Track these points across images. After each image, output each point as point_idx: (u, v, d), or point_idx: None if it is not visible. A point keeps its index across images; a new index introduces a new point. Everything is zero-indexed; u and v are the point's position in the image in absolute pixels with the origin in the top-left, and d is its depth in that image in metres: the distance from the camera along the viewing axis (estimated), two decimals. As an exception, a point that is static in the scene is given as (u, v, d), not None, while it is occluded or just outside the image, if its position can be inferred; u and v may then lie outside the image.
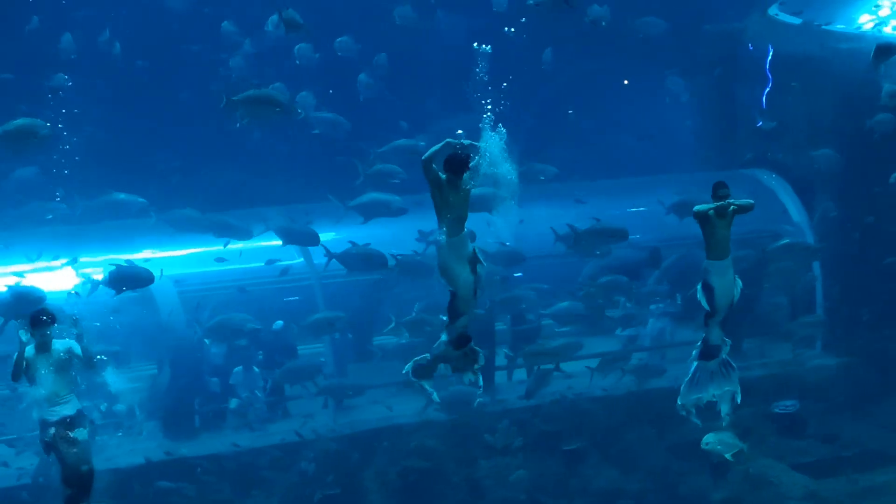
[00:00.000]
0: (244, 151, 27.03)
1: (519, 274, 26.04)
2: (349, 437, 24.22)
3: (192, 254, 24.74)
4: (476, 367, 13.30)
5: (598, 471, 24.42)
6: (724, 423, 16.49)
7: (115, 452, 22.08)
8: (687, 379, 16.06)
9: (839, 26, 27.63)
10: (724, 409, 16.06)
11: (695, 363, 16.06)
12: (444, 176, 12.41)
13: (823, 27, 27.44)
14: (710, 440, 21.32)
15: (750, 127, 28.93)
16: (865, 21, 27.63)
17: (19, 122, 20.70)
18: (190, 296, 24.25)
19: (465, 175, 12.46)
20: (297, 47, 26.61)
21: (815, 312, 27.35)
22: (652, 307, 27.05)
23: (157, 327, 23.73)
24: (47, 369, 13.37)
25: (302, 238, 24.30)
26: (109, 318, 21.72)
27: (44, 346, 13.38)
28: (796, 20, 27.85)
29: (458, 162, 12.37)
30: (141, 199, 23.56)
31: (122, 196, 23.59)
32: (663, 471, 24.57)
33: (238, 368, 24.66)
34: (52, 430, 13.46)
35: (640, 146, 28.51)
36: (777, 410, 25.50)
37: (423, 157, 12.41)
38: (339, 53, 27.35)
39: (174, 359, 24.11)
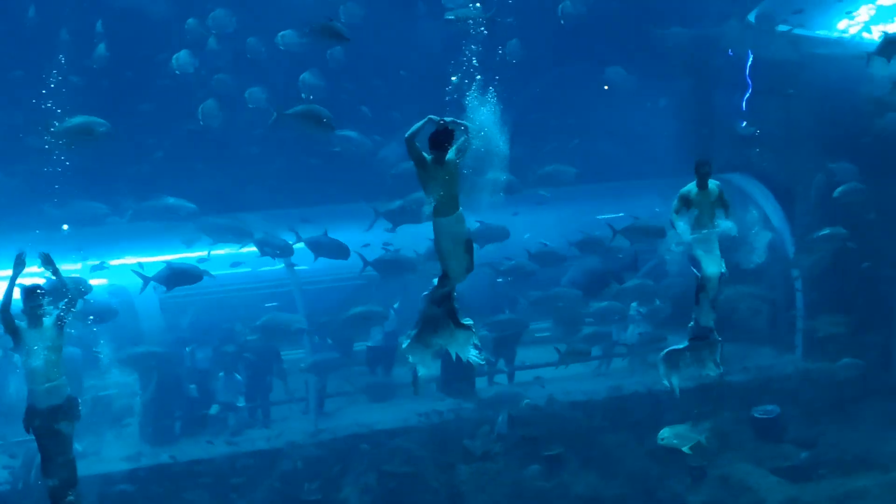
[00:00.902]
0: (224, 157, 27.02)
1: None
2: (329, 443, 24.20)
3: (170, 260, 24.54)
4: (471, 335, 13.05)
5: (578, 476, 24.38)
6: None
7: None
8: (670, 353, 16.64)
9: (819, 32, 27.75)
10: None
11: (685, 342, 16.47)
12: (428, 156, 12.33)
13: (794, 31, 27.61)
14: (665, 434, 22.04)
15: (729, 132, 29.00)
16: (845, 27, 27.72)
17: (78, 119, 21.13)
18: (170, 302, 24.18)
19: (450, 151, 12.34)
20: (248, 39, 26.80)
21: (795, 317, 27.45)
22: (631, 312, 27.00)
23: (137, 333, 23.67)
24: (38, 345, 13.16)
25: (333, 251, 24.59)
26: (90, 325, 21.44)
27: (36, 321, 13.18)
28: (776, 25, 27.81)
29: (439, 137, 12.26)
30: (190, 205, 24.15)
31: (171, 200, 24.25)
32: (642, 476, 24.60)
33: (220, 374, 24.63)
34: (38, 422, 13.33)
35: (618, 152, 28.57)
36: (757, 415, 25.56)
37: (406, 136, 12.27)
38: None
39: (156, 365, 23.85)
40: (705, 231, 15.81)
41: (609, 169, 27.88)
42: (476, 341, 13.07)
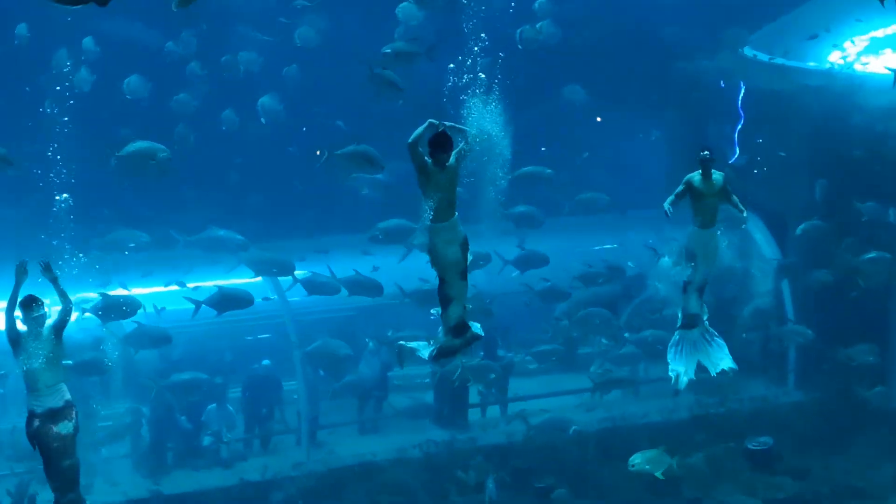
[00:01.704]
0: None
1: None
2: (322, 474, 24.32)
3: (163, 292, 24.81)
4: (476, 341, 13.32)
5: (572, 508, 24.56)
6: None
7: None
8: (671, 349, 16.43)
9: (810, 63, 28.01)
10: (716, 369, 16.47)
11: (677, 333, 16.39)
12: (429, 160, 12.35)
13: (775, 61, 28.05)
14: (636, 461, 21.91)
15: (721, 162, 29.05)
16: (836, 59, 28.01)
17: (139, 144, 22.02)
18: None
19: (449, 156, 12.37)
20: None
21: (787, 348, 27.52)
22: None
23: (131, 365, 23.76)
24: (37, 352, 13.32)
25: (368, 289, 24.76)
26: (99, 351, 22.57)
27: (35, 329, 13.37)
28: (764, 56, 28.28)
29: (439, 139, 12.29)
30: (239, 237, 24.38)
31: (221, 233, 24.46)
32: (637, 507, 24.87)
33: (212, 406, 24.67)
34: (37, 423, 13.41)
35: (611, 182, 28.51)
36: (751, 447, 25.52)
37: (408, 142, 12.28)
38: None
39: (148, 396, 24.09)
40: (709, 231, 15.98)
41: (601, 200, 27.62)
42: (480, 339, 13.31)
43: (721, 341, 16.47)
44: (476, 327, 13.15)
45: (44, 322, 13.38)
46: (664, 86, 30.12)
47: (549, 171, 25.61)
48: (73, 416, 13.50)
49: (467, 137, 12.44)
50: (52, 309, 13.74)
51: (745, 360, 25.48)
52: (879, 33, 28.03)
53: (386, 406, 26.21)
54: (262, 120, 26.31)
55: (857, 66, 27.78)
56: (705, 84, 28.75)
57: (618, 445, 24.99)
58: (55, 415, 13.38)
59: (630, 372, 27.08)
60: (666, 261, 16.67)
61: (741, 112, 28.17)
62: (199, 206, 26.75)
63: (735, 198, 16.10)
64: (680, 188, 15.98)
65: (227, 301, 23.61)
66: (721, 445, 25.86)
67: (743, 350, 25.80)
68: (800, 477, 25.45)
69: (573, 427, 24.91)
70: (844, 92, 27.13)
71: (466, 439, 25.41)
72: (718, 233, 16.12)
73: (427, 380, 26.26)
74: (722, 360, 16.48)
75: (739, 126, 28.13)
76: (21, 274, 13.31)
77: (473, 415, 26.48)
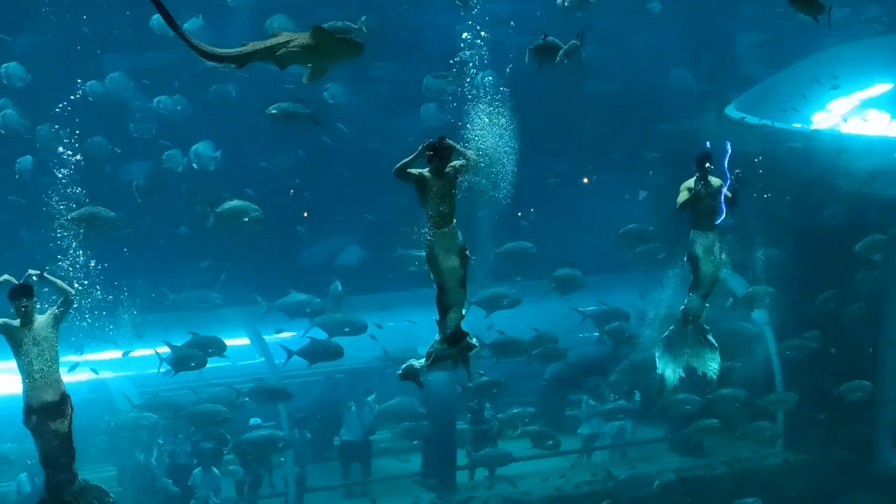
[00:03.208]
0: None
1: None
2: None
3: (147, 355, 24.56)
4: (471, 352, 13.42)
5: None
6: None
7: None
8: (661, 342, 16.69)
9: (795, 125, 28.21)
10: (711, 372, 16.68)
11: (672, 326, 16.63)
12: (427, 173, 12.60)
13: (774, 124, 28.18)
14: None
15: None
16: (820, 119, 28.28)
17: (234, 203, 23.76)
18: (149, 396, 24.19)
19: (447, 163, 12.63)
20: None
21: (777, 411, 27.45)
22: (609, 405, 27.22)
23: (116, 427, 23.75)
24: (31, 344, 13.34)
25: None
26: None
27: (27, 320, 13.32)
28: (753, 119, 28.37)
29: (440, 149, 12.57)
30: (318, 300, 25.26)
31: (302, 297, 25.30)
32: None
33: (197, 470, 24.65)
34: (34, 419, 13.41)
35: (598, 244, 28.69)
36: None
37: (393, 170, 12.60)
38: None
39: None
40: (710, 234, 16.20)
41: (588, 262, 27.76)
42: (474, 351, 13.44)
43: (715, 344, 16.59)
44: (473, 338, 13.30)
45: (33, 314, 13.33)
46: (650, 147, 30.36)
47: (530, 245, 26.36)
48: (69, 411, 13.48)
49: (468, 157, 12.72)
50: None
51: (734, 420, 26.53)
52: (864, 94, 28.38)
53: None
54: (195, 165, 26.79)
55: (842, 128, 28.08)
56: (691, 145, 28.97)
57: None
58: (51, 410, 13.37)
59: (618, 432, 27.26)
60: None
61: (727, 173, 28.29)
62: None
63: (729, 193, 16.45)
64: (684, 196, 16.15)
65: (318, 353, 24.55)
66: (711, 507, 25.92)
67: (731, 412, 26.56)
68: (789, 539, 25.32)
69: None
70: (829, 153, 27.30)
71: (455, 502, 25.45)
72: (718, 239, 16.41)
73: (415, 442, 26.22)
74: (712, 363, 16.61)
75: (726, 186, 28.27)
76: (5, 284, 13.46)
77: (461, 477, 26.51)
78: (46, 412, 13.31)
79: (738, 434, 26.50)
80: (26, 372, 13.38)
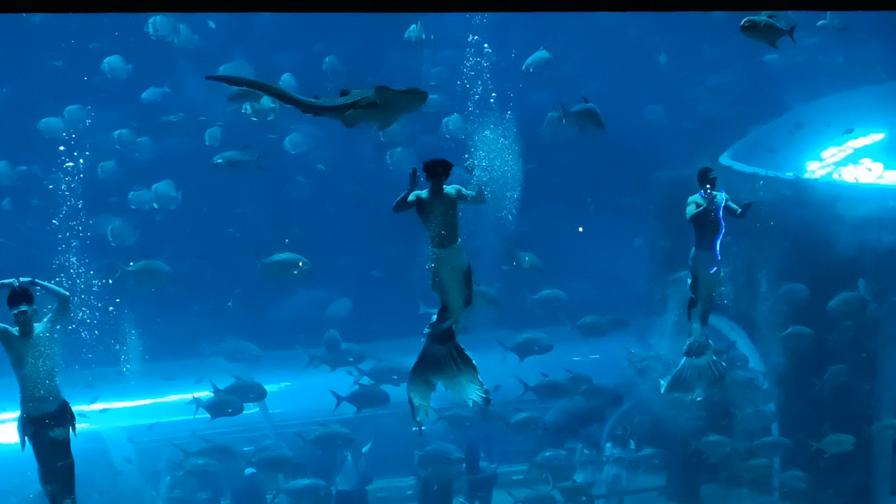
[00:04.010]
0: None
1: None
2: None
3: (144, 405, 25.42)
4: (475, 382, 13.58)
5: None
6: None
7: None
8: (674, 375, 17.30)
9: (788, 174, 28.24)
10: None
11: (683, 359, 17.16)
12: (424, 195, 12.91)
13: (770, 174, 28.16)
14: None
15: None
16: (814, 168, 28.44)
17: (282, 256, 24.83)
18: (147, 446, 24.86)
19: (442, 181, 12.92)
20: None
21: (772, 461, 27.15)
22: (607, 453, 27.28)
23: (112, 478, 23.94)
24: (29, 354, 13.35)
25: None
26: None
27: (25, 330, 13.37)
28: (746, 168, 28.46)
29: (435, 167, 12.87)
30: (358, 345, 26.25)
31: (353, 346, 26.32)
32: None
33: None
34: (32, 429, 13.51)
35: (593, 292, 28.86)
36: None
37: (392, 207, 13.04)
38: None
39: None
40: (710, 253, 17.18)
41: (583, 309, 27.97)
42: (479, 380, 13.54)
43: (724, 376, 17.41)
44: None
45: (30, 321, 13.36)
46: (645, 195, 30.61)
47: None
48: (68, 419, 13.65)
49: (475, 190, 13.06)
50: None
51: (731, 469, 26.74)
52: (858, 143, 28.46)
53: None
54: (155, 205, 27.13)
55: (836, 176, 28.17)
56: (684, 193, 29.12)
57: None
58: (50, 420, 13.51)
59: (613, 480, 27.17)
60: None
61: (721, 221, 28.53)
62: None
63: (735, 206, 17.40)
64: (692, 209, 17.02)
65: (365, 399, 25.33)
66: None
67: (728, 459, 26.69)
68: None
69: None
70: (824, 202, 27.32)
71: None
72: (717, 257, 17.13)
73: (409, 492, 26.45)
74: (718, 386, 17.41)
75: (720, 236, 28.42)
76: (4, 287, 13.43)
77: None
78: (45, 422, 13.43)
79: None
80: (24, 383, 13.43)
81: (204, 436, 24.53)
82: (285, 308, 29.61)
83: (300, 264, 24.81)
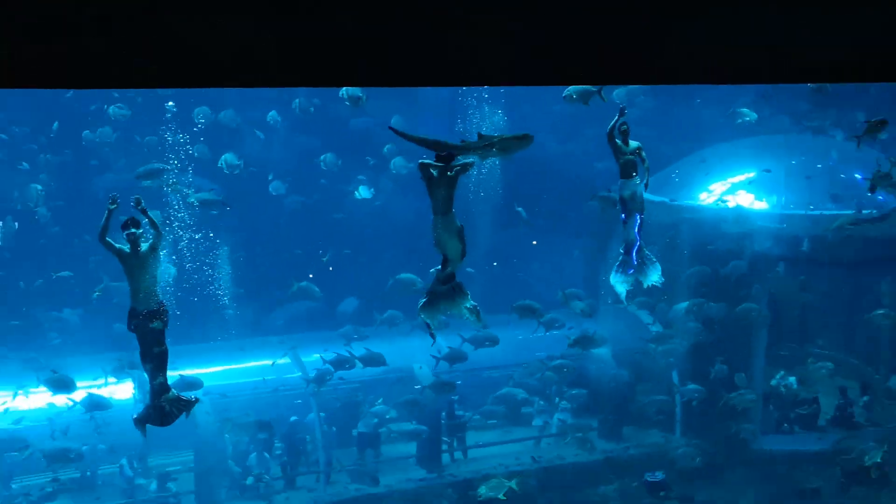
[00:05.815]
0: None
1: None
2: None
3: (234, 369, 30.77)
4: (468, 303, 14.63)
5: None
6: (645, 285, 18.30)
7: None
8: (614, 270, 18.47)
9: (687, 201, 32.18)
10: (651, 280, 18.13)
11: (619, 258, 18.17)
12: (434, 172, 13.81)
13: (672, 202, 31.66)
14: (482, 490, 26.75)
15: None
16: (705, 198, 32.18)
17: (405, 276, 28.07)
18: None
19: (449, 162, 13.83)
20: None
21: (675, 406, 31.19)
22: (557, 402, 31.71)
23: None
24: (137, 265, 14.63)
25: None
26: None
27: (134, 247, 14.57)
28: (656, 197, 30.04)
29: (444, 157, 13.83)
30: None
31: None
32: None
33: (253, 454, 29.81)
34: (136, 321, 14.76)
35: (544, 290, 32.13)
36: (648, 479, 29.55)
37: (418, 166, 14.10)
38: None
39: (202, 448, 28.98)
40: (630, 181, 17.85)
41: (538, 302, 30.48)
42: (469, 304, 14.71)
43: (656, 262, 18.16)
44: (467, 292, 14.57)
45: (138, 241, 14.51)
46: (580, 216, 33.88)
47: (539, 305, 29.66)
48: (164, 315, 14.80)
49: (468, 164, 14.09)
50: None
51: (646, 415, 31.05)
52: (736, 179, 32.52)
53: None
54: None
55: (720, 203, 31.93)
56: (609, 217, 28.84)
57: (554, 480, 29.94)
58: (151, 315, 14.70)
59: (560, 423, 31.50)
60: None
61: (637, 238, 32.35)
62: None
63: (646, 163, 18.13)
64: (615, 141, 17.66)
65: (456, 358, 29.51)
66: (627, 480, 29.84)
67: (643, 409, 31.19)
68: (686, 501, 29.58)
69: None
70: (713, 222, 31.36)
71: (441, 476, 29.97)
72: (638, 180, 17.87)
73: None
74: (654, 276, 18.13)
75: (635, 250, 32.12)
76: (111, 204, 14.38)
77: (445, 458, 31.02)
78: (147, 316, 14.68)
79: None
80: (133, 287, 14.61)
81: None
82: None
83: (417, 284, 27.71)
